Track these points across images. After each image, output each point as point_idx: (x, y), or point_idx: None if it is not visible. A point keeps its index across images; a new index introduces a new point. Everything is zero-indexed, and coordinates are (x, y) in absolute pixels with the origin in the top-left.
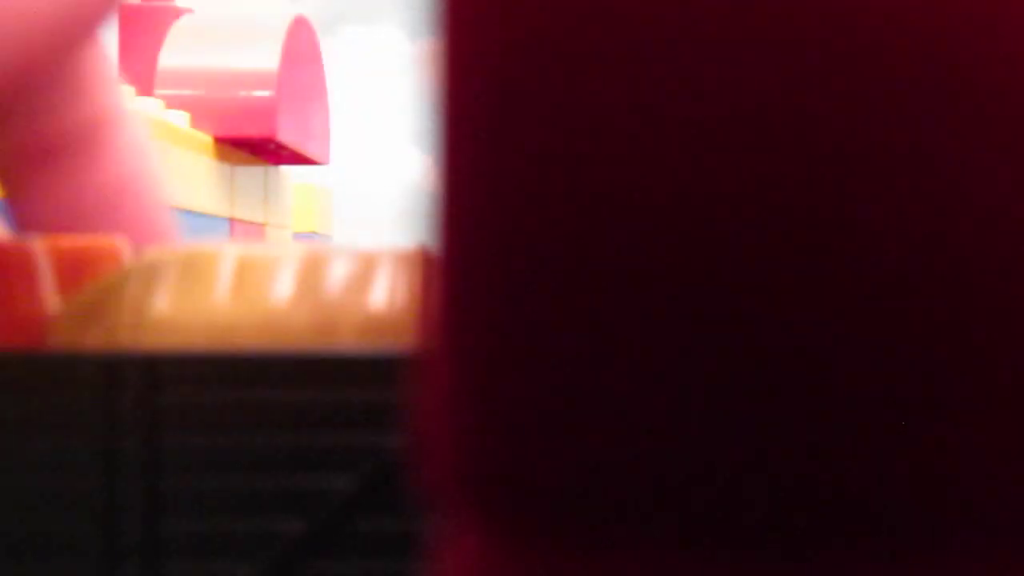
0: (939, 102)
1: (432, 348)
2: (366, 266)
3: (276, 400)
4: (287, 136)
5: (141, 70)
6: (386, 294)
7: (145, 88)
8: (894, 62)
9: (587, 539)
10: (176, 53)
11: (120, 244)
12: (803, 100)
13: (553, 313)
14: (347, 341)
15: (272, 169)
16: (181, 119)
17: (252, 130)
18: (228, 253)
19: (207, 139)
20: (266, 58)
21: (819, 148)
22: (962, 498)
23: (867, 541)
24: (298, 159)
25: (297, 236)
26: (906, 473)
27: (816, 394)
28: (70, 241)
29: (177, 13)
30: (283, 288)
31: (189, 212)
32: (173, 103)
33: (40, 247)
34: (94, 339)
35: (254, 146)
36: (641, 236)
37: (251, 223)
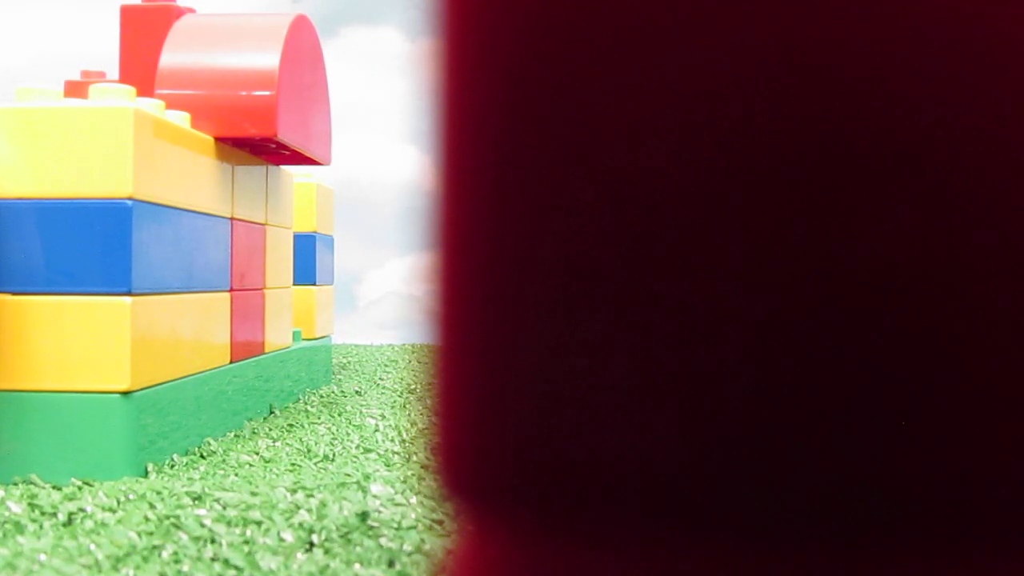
0: (939, 99)
1: (434, 346)
2: None
3: None
4: (288, 136)
5: (141, 70)
6: None
7: (145, 88)
8: (897, 58)
9: (588, 537)
10: (176, 53)
11: None
12: (816, 103)
13: (553, 312)
14: None
15: (273, 169)
16: (181, 119)
17: (252, 130)
18: None
19: (208, 139)
20: (266, 58)
21: (836, 150)
22: (972, 497)
23: (867, 540)
24: (299, 159)
25: (299, 236)
26: (911, 471)
27: (817, 392)
28: None
29: (178, 13)
30: None
31: (190, 212)
32: (173, 103)
33: None
34: None
35: (254, 146)
36: (643, 235)
37: (252, 223)
